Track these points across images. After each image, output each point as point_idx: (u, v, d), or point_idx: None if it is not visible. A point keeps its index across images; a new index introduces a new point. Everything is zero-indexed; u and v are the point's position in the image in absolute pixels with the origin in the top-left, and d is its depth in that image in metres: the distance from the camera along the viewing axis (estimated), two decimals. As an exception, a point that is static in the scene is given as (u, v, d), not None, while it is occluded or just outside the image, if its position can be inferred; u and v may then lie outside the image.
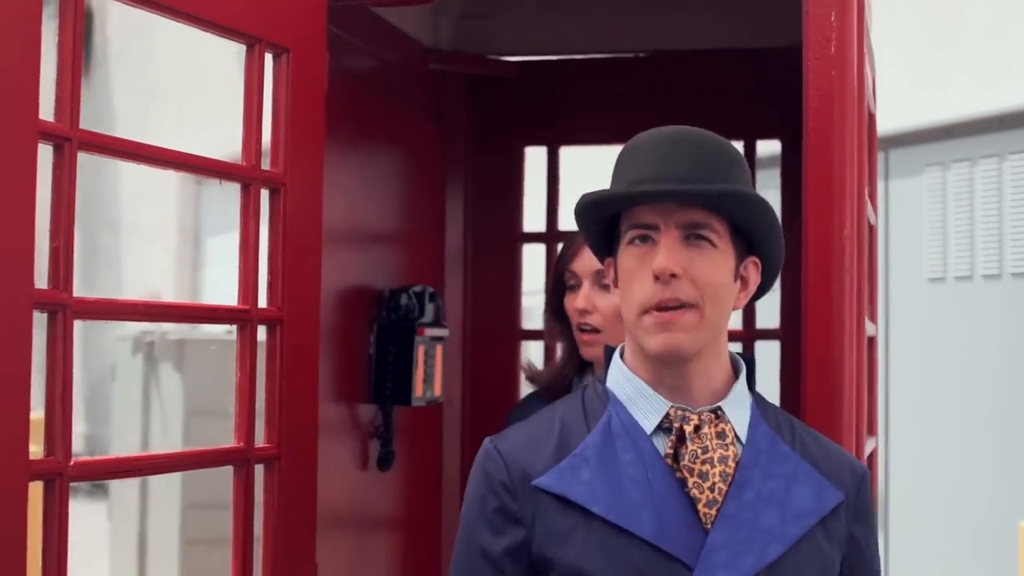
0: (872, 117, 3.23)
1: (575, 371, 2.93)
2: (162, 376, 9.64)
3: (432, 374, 3.28)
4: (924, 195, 6.24)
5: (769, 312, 3.74)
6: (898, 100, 6.53)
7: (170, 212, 18.40)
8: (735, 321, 2.72)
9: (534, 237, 3.79)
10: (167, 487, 9.41)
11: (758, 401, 2.19)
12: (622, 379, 2.15)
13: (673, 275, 2.02)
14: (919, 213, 6.30)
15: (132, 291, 19.39)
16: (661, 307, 2.03)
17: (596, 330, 2.80)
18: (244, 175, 2.55)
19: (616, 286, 2.14)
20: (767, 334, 3.74)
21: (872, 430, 3.16)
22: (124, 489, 10.07)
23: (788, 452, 2.13)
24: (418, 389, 3.21)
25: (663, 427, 2.09)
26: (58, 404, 2.22)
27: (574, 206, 2.14)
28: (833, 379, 2.48)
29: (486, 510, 2.10)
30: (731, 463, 2.07)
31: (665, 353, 2.05)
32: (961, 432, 5.96)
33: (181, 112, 17.40)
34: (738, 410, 2.12)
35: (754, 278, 2.16)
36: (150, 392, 9.73)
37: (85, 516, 15.14)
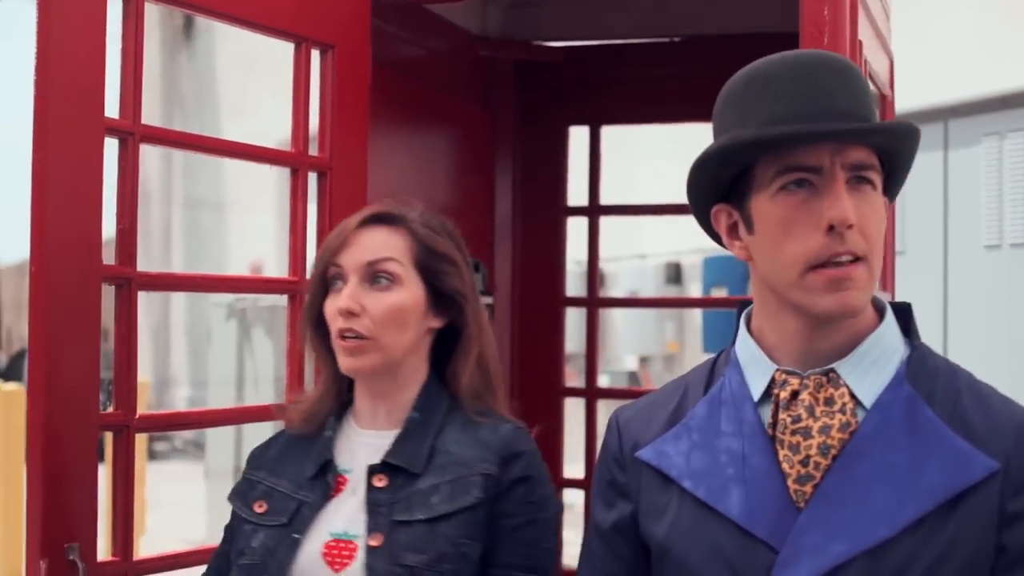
0: (885, 98, 3.44)
1: (337, 400, 2.37)
2: (254, 341, 10.01)
3: (477, 338, 3.55)
4: (982, 164, 6.39)
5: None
6: (957, 72, 6.67)
7: (269, 188, 18.82)
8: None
9: (577, 211, 4.05)
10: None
11: (914, 357, 1.88)
12: (742, 340, 1.92)
13: (850, 226, 1.75)
14: (977, 182, 6.44)
15: (236, 264, 19.88)
16: (830, 262, 1.77)
17: (361, 337, 2.25)
18: (293, 160, 2.85)
19: (734, 237, 1.89)
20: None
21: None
22: (219, 450, 10.44)
23: (929, 419, 1.81)
24: (462, 352, 3.48)
25: (770, 393, 1.86)
26: (124, 365, 2.52)
27: (718, 148, 1.81)
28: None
29: (601, 483, 2.00)
30: (835, 433, 1.80)
31: (839, 313, 1.79)
32: (1019, 395, 6.12)
33: (278, 78, 17.79)
34: (869, 370, 1.84)
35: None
36: (243, 356, 10.09)
37: (185, 477, 15.65)
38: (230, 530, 2.36)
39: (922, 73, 7.05)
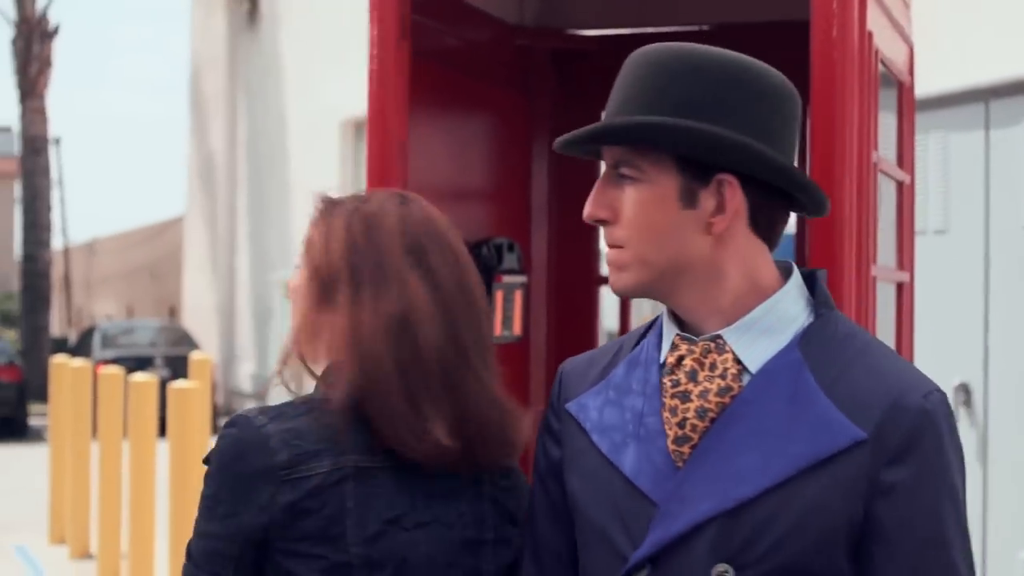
0: (902, 85, 3.56)
1: None
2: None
3: (511, 315, 3.73)
4: (1022, 144, 6.48)
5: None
6: (998, 53, 6.76)
7: (332, 167, 19.06)
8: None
9: (611, 193, 4.22)
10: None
11: (815, 324, 1.94)
12: (665, 308, 2.03)
13: (600, 220, 1.96)
14: (1018, 162, 6.54)
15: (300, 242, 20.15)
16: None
17: None
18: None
19: None
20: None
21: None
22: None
23: (809, 386, 1.88)
24: (497, 328, 3.67)
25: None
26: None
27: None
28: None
29: (541, 430, 2.14)
30: (712, 397, 1.90)
31: (616, 292, 1.99)
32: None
33: (339, 62, 17.95)
34: (758, 337, 1.93)
35: (733, 196, 1.92)
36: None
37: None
38: None
39: (963, 54, 7.14)
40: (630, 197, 1.93)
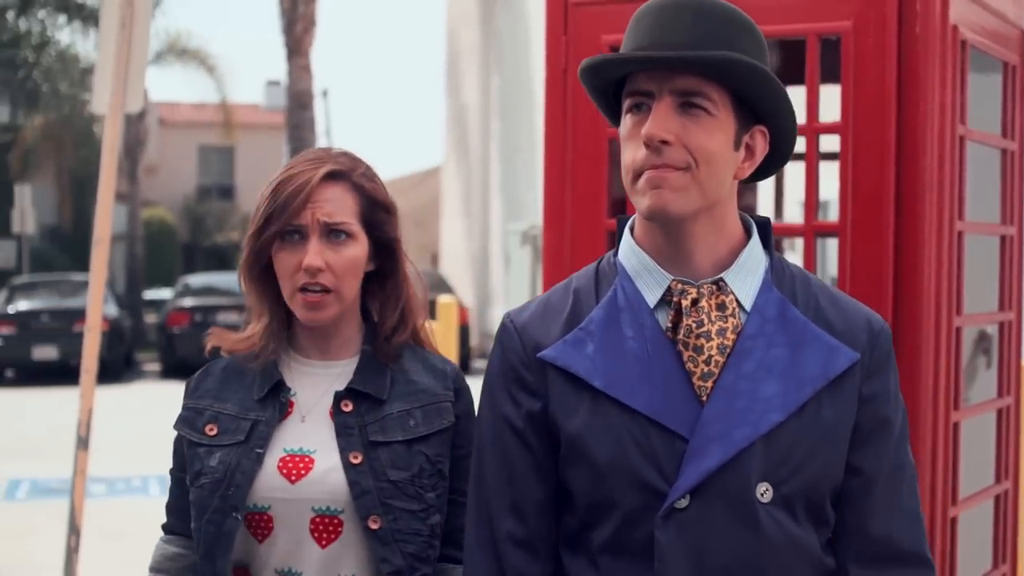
0: (1007, 65, 3.94)
1: (282, 332, 2.54)
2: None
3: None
4: None
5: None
6: None
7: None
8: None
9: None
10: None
11: (774, 265, 2.09)
12: (629, 252, 2.08)
13: (664, 142, 1.95)
14: None
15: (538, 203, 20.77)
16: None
17: (327, 290, 2.42)
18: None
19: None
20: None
21: (1007, 305, 4.05)
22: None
23: (797, 317, 2.03)
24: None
25: (666, 300, 2.03)
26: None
27: (579, 70, 2.05)
28: (917, 265, 3.33)
29: (505, 381, 2.12)
30: (730, 335, 2.00)
31: (655, 211, 1.97)
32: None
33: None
34: (746, 278, 2.04)
35: (761, 147, 2.05)
36: (535, 278, 11.03)
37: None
38: (181, 456, 2.54)
39: None
40: (703, 126, 1.98)
